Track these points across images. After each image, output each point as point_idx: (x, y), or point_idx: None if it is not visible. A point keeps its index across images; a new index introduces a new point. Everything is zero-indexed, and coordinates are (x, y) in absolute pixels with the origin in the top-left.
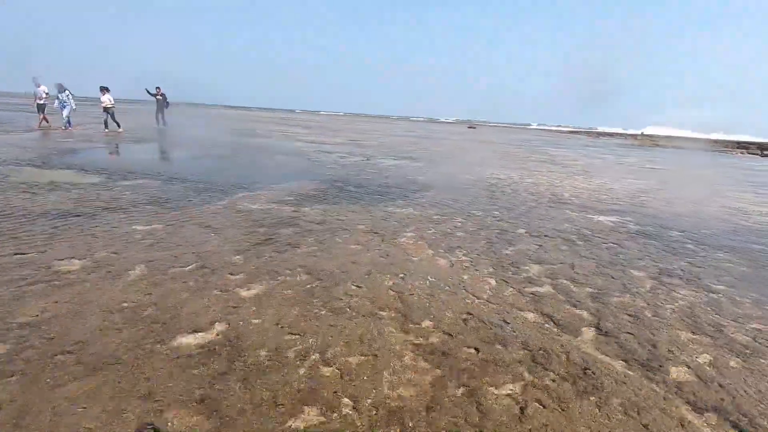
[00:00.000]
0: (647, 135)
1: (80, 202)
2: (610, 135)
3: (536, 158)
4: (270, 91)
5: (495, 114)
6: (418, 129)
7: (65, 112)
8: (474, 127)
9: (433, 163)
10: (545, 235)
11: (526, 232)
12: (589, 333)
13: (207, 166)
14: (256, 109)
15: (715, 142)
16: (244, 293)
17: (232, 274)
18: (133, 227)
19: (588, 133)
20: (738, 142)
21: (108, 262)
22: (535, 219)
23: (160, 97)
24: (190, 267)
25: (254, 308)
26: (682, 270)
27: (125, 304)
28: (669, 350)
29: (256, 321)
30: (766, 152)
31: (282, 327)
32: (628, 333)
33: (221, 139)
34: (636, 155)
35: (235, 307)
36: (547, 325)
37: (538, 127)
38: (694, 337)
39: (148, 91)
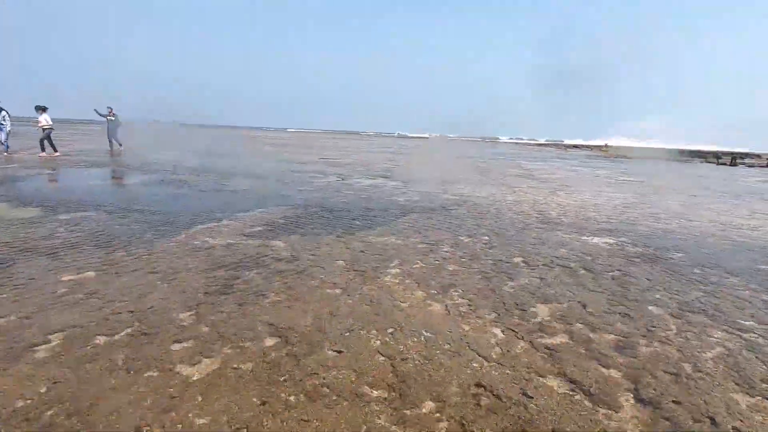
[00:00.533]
0: (611, 146)
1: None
2: (577, 147)
3: (514, 172)
4: (242, 109)
5: (465, 128)
6: (393, 145)
7: (2, 136)
8: (447, 141)
9: (411, 181)
10: (544, 265)
11: (522, 261)
12: (629, 405)
13: (166, 193)
14: (228, 127)
15: (669, 151)
16: (189, 372)
17: (177, 342)
18: (59, 277)
19: (556, 146)
20: (695, 151)
21: (12, 333)
22: (528, 244)
23: (112, 118)
24: (121, 334)
25: (200, 398)
26: (701, 302)
27: (19, 403)
28: (732, 427)
29: (201, 421)
30: (721, 161)
31: (237, 430)
32: (675, 401)
33: (186, 161)
34: (607, 167)
35: (174, 399)
36: (576, 397)
37: (509, 141)
38: (752, 400)
39: (98, 112)
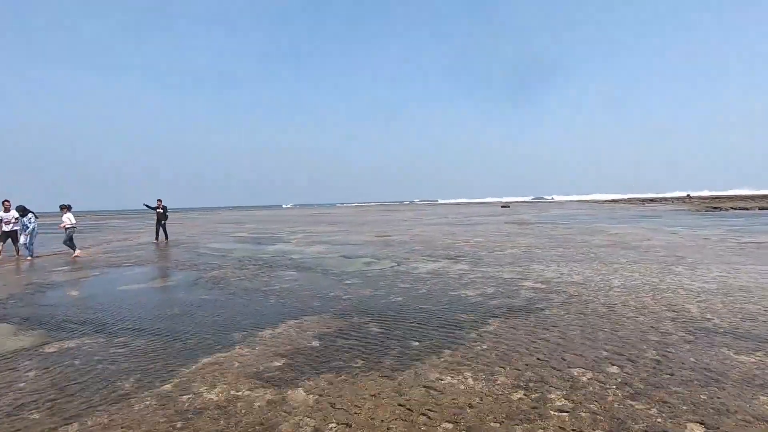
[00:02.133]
0: (695, 197)
1: None
2: (654, 201)
3: (599, 241)
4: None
5: (513, 190)
6: (450, 214)
7: (22, 239)
8: (508, 206)
9: (480, 262)
10: None
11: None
12: None
13: (189, 301)
14: (286, 206)
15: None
16: None
17: None
18: None
19: (629, 201)
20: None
21: None
22: (693, 383)
23: (161, 210)
24: None
25: None
26: None
27: None
28: None
29: None
30: None
31: None
32: None
33: (236, 250)
34: (709, 224)
35: None
36: None
37: (559, 199)
38: None
39: (147, 206)
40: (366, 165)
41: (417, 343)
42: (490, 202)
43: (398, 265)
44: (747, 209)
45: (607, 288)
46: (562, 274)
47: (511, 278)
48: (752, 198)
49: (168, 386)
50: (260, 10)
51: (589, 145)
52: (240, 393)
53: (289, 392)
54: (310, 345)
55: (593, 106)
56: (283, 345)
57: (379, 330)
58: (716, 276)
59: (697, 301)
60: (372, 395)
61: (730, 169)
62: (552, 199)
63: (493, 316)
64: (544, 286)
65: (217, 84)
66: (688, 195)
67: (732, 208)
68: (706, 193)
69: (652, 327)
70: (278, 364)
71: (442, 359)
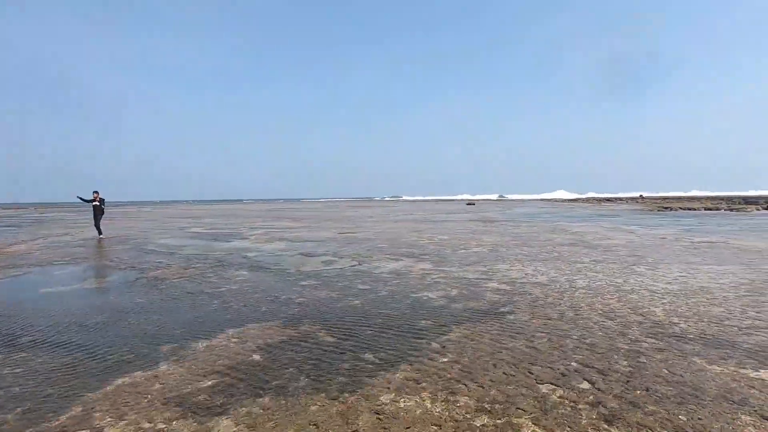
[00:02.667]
0: (647, 197)
1: None
2: (610, 200)
3: (562, 239)
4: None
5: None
6: (417, 210)
7: None
8: (473, 204)
9: (444, 261)
10: None
11: None
12: None
13: (122, 305)
14: (248, 201)
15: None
16: None
17: None
18: None
19: (588, 200)
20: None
21: None
22: (666, 399)
23: (97, 203)
24: None
25: None
26: None
27: None
28: None
29: None
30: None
31: None
32: None
33: (186, 247)
34: (663, 224)
35: None
36: None
37: (520, 197)
38: None
39: (81, 198)
40: (336, 160)
41: (372, 356)
42: (457, 200)
43: (359, 264)
44: (694, 209)
45: (573, 289)
46: (526, 274)
47: (476, 279)
48: (698, 199)
49: (62, 419)
50: None
51: (548, 147)
52: (151, 426)
53: (213, 424)
54: (250, 359)
55: (560, 107)
56: (218, 360)
57: (332, 340)
58: (677, 276)
59: (662, 303)
60: (312, 424)
61: (683, 173)
62: (512, 197)
63: (456, 322)
64: (509, 288)
65: (196, 81)
66: (641, 195)
67: (681, 208)
68: (657, 194)
69: (620, 333)
70: (208, 384)
71: (399, 376)
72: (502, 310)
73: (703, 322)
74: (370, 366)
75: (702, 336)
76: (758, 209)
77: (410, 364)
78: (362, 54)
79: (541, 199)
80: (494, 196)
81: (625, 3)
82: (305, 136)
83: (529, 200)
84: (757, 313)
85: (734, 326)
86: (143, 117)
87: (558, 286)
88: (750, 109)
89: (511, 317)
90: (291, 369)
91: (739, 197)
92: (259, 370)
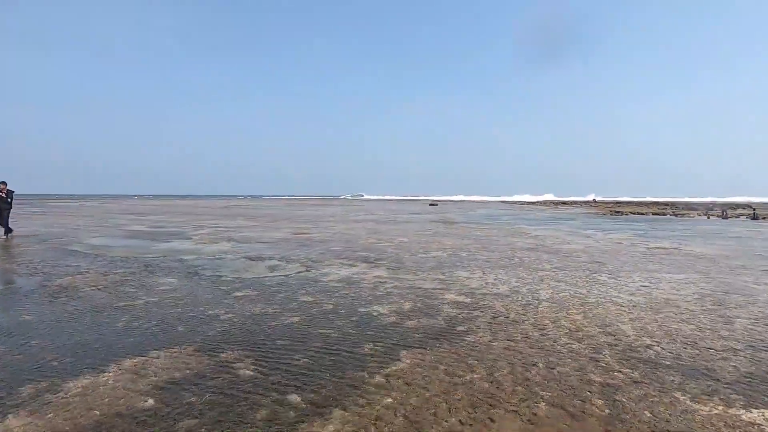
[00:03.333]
0: (600, 201)
1: None
2: (566, 203)
3: (522, 244)
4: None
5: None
6: (379, 210)
7: None
8: (436, 204)
9: (401, 267)
10: None
11: None
12: None
13: (14, 321)
14: (216, 197)
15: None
16: None
17: None
18: None
19: (545, 203)
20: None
21: None
22: None
23: (3, 195)
24: None
25: None
26: None
27: None
28: None
29: None
30: (712, 213)
31: None
32: None
33: (116, 247)
34: (618, 228)
35: None
36: None
37: (480, 199)
38: None
39: None
40: (301, 158)
41: (298, 398)
42: (420, 200)
43: (307, 271)
44: (643, 214)
45: (536, 302)
46: (487, 283)
47: (433, 289)
48: (646, 204)
49: None
50: None
51: (509, 150)
52: None
53: None
54: (140, 406)
55: (509, 110)
56: (94, 407)
57: (253, 373)
58: (640, 286)
59: (630, 319)
60: None
61: (632, 178)
62: (474, 199)
63: (406, 346)
64: (468, 300)
65: (165, 61)
66: (594, 199)
67: (631, 212)
68: (608, 197)
69: (591, 359)
70: None
71: (328, 428)
72: (459, 329)
73: (676, 343)
74: (294, 413)
75: (679, 362)
76: (699, 215)
77: (345, 409)
78: (329, 50)
79: (502, 201)
80: (457, 197)
81: None
82: (266, 132)
83: (490, 201)
84: (729, 332)
85: (709, 348)
86: (115, 107)
87: (520, 298)
88: (691, 122)
89: (470, 339)
90: (188, 420)
91: (681, 203)
92: (145, 423)
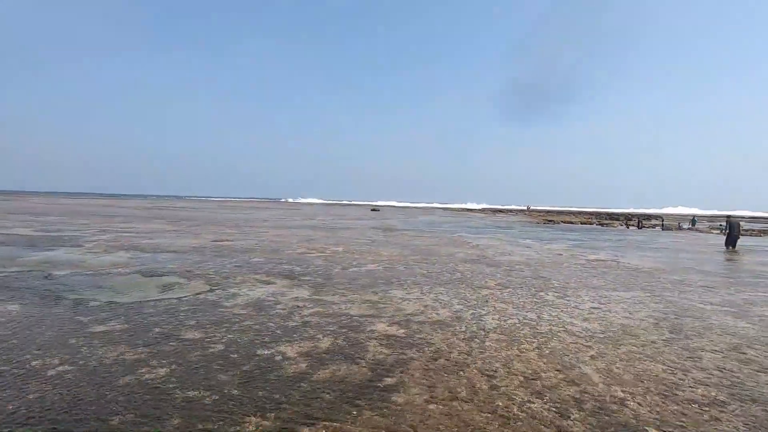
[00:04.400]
0: (534, 210)
1: None
2: (502, 211)
3: (463, 255)
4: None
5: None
6: (319, 215)
7: None
8: (377, 210)
9: (327, 284)
10: None
11: None
12: None
13: None
14: (153, 197)
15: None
16: None
17: None
18: None
19: (483, 211)
20: (607, 214)
21: None
22: None
23: None
24: None
25: None
26: None
27: None
28: None
29: None
30: (631, 223)
31: None
32: None
33: None
34: (554, 238)
35: None
36: None
37: (423, 205)
38: None
39: None
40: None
41: None
42: (363, 204)
43: (210, 291)
44: (573, 223)
45: (483, 333)
46: (425, 306)
47: (361, 316)
48: (574, 214)
49: None
50: None
51: (455, 163)
52: None
53: None
54: None
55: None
56: None
57: None
58: (591, 308)
59: (591, 357)
60: None
61: (562, 189)
62: (419, 205)
63: (309, 420)
64: (401, 333)
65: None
66: (528, 207)
67: (562, 221)
68: (541, 207)
69: (558, 429)
70: None
71: None
72: (387, 381)
73: (651, 393)
74: None
75: (664, 429)
76: (620, 224)
77: None
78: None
79: (444, 208)
80: (399, 203)
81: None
82: (220, 132)
83: (435, 208)
84: (703, 373)
85: (692, 402)
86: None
87: (464, 328)
88: (600, 145)
89: (399, 400)
90: None
91: (604, 213)
92: None
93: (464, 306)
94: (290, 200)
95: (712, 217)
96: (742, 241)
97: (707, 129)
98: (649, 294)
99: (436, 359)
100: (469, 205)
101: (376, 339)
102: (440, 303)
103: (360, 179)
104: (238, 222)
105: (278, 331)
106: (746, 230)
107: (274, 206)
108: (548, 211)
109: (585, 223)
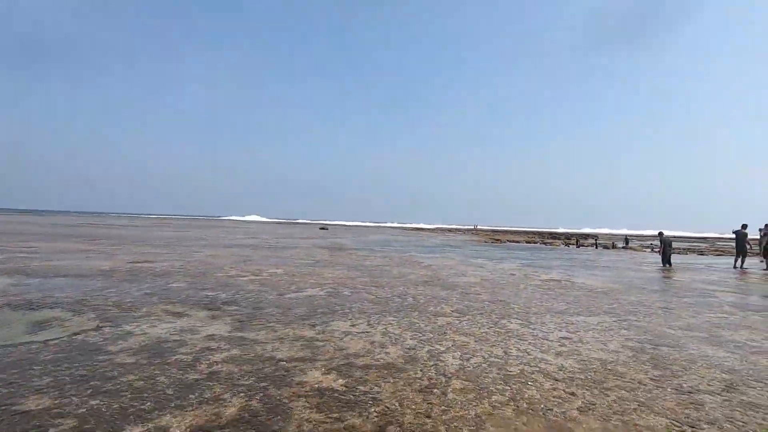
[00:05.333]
0: (481, 229)
1: None
2: (452, 231)
3: (415, 277)
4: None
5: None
6: (263, 233)
7: None
8: (326, 228)
9: (256, 315)
10: None
11: None
12: None
13: None
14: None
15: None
16: None
17: None
18: None
19: (434, 230)
20: (548, 234)
21: None
22: None
23: None
24: None
25: None
26: None
27: None
28: None
29: None
30: (570, 242)
31: None
32: None
33: None
34: (504, 257)
35: None
36: None
37: (373, 225)
38: None
39: None
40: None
41: None
42: (312, 223)
43: (97, 329)
44: (518, 242)
45: (443, 381)
46: (373, 343)
47: (289, 361)
48: (518, 233)
49: None
50: None
51: (405, 183)
52: None
53: None
54: None
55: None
56: None
57: None
58: (561, 339)
59: (579, 410)
60: None
61: (505, 208)
62: (370, 224)
63: None
64: (340, 385)
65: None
66: (475, 226)
67: (509, 240)
68: (486, 226)
69: None
70: None
71: None
72: None
73: None
74: None
75: None
76: (562, 244)
77: None
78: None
79: (396, 227)
80: (349, 222)
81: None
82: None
83: (386, 227)
84: (707, 425)
85: None
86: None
87: (420, 373)
88: (543, 169)
89: None
90: None
91: (546, 232)
92: None
93: (418, 341)
94: (234, 218)
95: (640, 236)
96: (673, 259)
97: (622, 151)
98: (615, 318)
99: (384, 428)
100: (420, 224)
101: (305, 397)
102: (390, 338)
103: (309, 197)
104: (168, 240)
105: (169, 391)
106: (674, 248)
107: (215, 224)
108: (494, 230)
109: (530, 242)
